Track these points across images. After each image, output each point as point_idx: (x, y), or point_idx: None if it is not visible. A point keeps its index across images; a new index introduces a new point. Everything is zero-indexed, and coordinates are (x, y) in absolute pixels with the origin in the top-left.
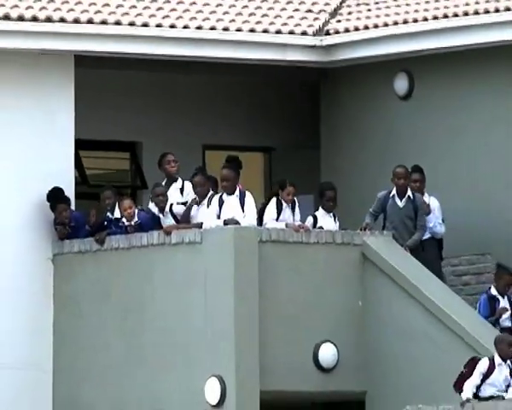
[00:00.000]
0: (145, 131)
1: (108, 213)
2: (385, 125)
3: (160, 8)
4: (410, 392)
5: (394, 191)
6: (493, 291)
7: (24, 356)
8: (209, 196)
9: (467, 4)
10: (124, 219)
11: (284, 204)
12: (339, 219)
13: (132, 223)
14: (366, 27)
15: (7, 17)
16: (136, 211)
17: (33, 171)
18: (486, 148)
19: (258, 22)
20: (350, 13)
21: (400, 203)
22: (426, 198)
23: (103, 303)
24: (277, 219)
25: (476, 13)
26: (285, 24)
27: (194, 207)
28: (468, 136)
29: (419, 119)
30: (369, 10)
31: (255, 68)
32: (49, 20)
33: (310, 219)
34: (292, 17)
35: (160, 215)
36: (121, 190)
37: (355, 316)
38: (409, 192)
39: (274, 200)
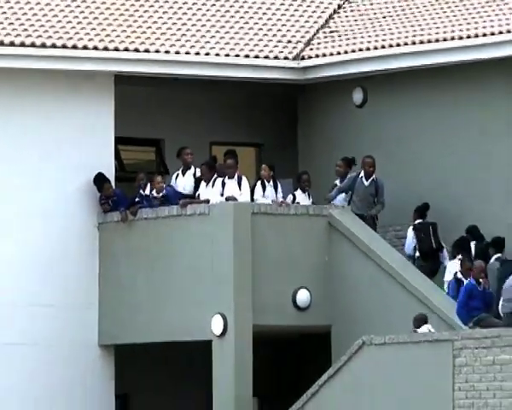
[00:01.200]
0: (167, 131)
1: (141, 191)
2: (345, 127)
3: (173, 36)
4: (365, 327)
5: (362, 174)
6: (459, 275)
7: (77, 297)
8: (214, 178)
9: (408, 34)
10: (154, 192)
11: (267, 183)
12: (312, 197)
13: (160, 195)
14: (331, 54)
15: (64, 46)
16: (164, 186)
17: (85, 162)
18: (422, 143)
19: (251, 50)
20: (319, 43)
21: (366, 183)
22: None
23: (136, 259)
24: (263, 195)
25: (421, 42)
26: (271, 51)
27: (203, 186)
28: (409, 135)
29: (371, 122)
30: (334, 41)
31: (250, 84)
32: (96, 48)
33: (290, 197)
34: (276, 46)
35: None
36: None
37: (323, 269)
38: (373, 176)
39: (259, 181)
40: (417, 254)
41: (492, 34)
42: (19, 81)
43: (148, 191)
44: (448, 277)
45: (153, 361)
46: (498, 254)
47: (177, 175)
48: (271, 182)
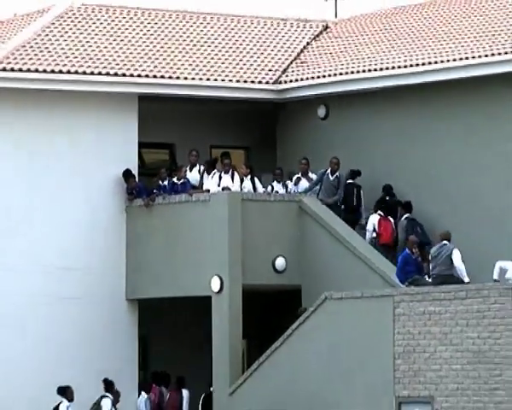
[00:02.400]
0: (177, 138)
1: (160, 182)
2: (312, 135)
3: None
4: (327, 285)
5: (329, 171)
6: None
7: (110, 263)
8: (213, 173)
9: (357, 64)
10: (175, 179)
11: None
12: (286, 187)
13: (180, 182)
14: (301, 79)
15: (100, 73)
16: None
17: (116, 161)
18: (373, 147)
19: (242, 76)
20: (293, 71)
21: (331, 178)
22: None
23: (154, 234)
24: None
25: (369, 70)
26: (256, 77)
27: (205, 178)
28: (362, 140)
29: (332, 132)
30: (303, 70)
31: (241, 102)
32: (124, 74)
33: (269, 188)
34: (260, 73)
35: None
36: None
37: (296, 242)
38: (337, 173)
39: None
40: (342, 207)
41: (435, 63)
42: (68, 101)
43: (166, 182)
44: (370, 226)
45: (167, 311)
46: (407, 215)
47: (185, 171)
48: (249, 177)
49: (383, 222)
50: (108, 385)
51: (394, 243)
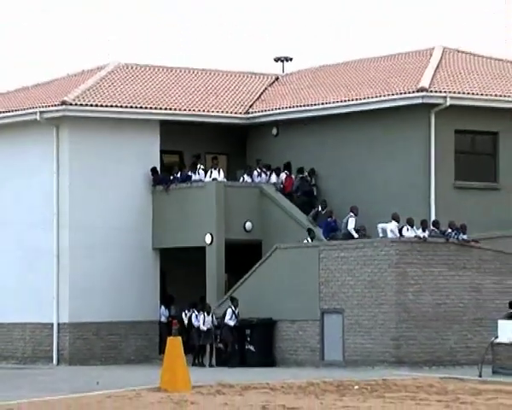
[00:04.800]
0: (185, 147)
1: (174, 174)
2: (268, 147)
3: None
4: (278, 240)
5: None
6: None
7: (140, 223)
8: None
9: (304, 100)
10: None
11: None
12: (252, 179)
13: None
14: (263, 110)
15: (131, 106)
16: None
17: (146, 162)
18: (314, 159)
19: (224, 108)
20: (257, 105)
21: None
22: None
23: (170, 207)
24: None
25: (310, 104)
26: (234, 109)
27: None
28: (303, 153)
29: (281, 145)
30: (263, 104)
31: (224, 125)
32: (151, 108)
33: (241, 179)
34: (236, 107)
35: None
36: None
37: (258, 212)
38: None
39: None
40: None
41: (352, 100)
42: (117, 126)
43: (178, 175)
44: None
45: (179, 256)
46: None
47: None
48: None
49: (289, 179)
50: (202, 300)
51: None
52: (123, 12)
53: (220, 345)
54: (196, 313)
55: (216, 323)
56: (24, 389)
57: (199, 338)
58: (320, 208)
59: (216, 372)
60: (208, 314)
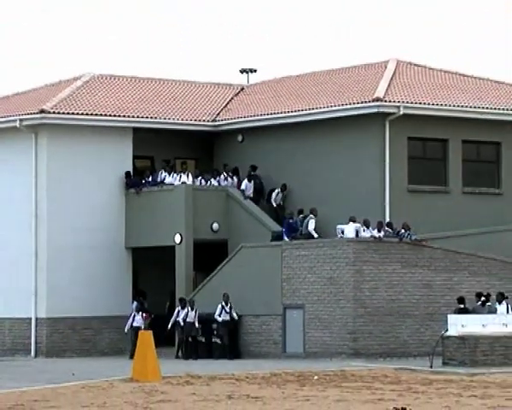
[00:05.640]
0: (156, 152)
1: (145, 178)
2: (234, 152)
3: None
4: (243, 240)
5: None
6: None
7: (114, 223)
8: (177, 173)
9: (265, 110)
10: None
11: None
12: (219, 182)
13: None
14: (228, 119)
15: (110, 115)
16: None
17: (120, 166)
18: (275, 161)
19: (193, 116)
20: (223, 114)
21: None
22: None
23: (142, 208)
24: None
25: (272, 113)
26: (202, 117)
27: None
28: (266, 157)
29: (246, 150)
30: (229, 113)
31: (193, 132)
32: (124, 116)
33: (209, 182)
34: (204, 115)
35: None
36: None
37: (224, 213)
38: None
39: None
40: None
41: (308, 109)
42: (93, 132)
43: (150, 179)
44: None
45: (150, 255)
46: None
47: (161, 172)
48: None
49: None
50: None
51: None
52: (96, 26)
53: (217, 339)
54: (179, 308)
55: (194, 317)
56: (3, 379)
57: (181, 332)
58: (280, 190)
59: (185, 364)
60: (192, 309)
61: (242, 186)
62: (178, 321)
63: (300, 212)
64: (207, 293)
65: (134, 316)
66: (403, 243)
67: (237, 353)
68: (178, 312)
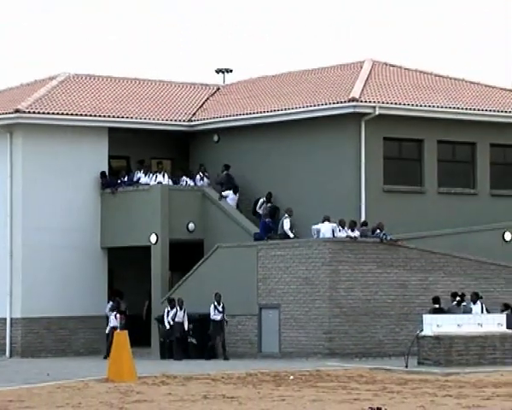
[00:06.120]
0: (132, 152)
1: (121, 178)
2: (210, 152)
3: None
4: (219, 240)
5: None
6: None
7: (90, 224)
8: (153, 173)
9: (236, 110)
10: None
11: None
12: (195, 182)
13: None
14: (204, 119)
15: (86, 115)
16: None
17: (96, 166)
18: (249, 161)
19: (169, 116)
20: (199, 114)
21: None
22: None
23: (118, 207)
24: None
25: (248, 113)
26: (178, 117)
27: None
28: (241, 156)
29: (221, 150)
30: (205, 113)
31: (170, 132)
32: (100, 115)
33: (185, 182)
34: (180, 115)
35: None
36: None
37: (200, 213)
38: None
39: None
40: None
41: (283, 109)
42: (71, 132)
43: (125, 178)
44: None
45: (125, 255)
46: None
47: (137, 172)
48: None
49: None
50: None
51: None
52: (71, 27)
53: (193, 339)
54: (169, 308)
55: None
56: None
57: (169, 332)
58: (265, 199)
59: (161, 364)
60: (181, 309)
61: (229, 200)
62: (169, 321)
63: (268, 200)
64: (183, 293)
65: (109, 316)
66: (378, 243)
67: (213, 353)
68: (168, 312)
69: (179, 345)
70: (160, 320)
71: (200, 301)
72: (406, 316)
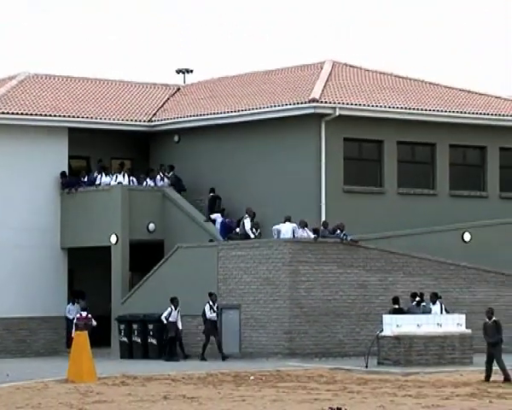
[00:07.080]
0: (92, 153)
1: (82, 178)
2: (170, 152)
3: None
4: (180, 240)
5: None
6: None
7: (50, 223)
8: (114, 174)
9: (200, 111)
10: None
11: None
12: (155, 183)
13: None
14: (165, 119)
15: (46, 115)
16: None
17: (55, 166)
18: (203, 160)
19: (129, 116)
20: (159, 114)
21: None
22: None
23: (77, 207)
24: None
25: (208, 114)
26: (138, 117)
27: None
28: (201, 156)
29: (182, 150)
30: (165, 113)
31: (129, 132)
32: (59, 115)
33: (145, 183)
34: (140, 115)
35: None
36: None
37: (161, 214)
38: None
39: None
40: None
41: (247, 109)
42: (30, 131)
43: (85, 179)
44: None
45: (85, 255)
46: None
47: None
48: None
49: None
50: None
51: None
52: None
53: (153, 340)
54: (172, 307)
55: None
56: None
57: (165, 332)
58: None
59: (121, 364)
60: (175, 309)
61: (218, 225)
62: (166, 317)
63: (212, 191)
64: (144, 293)
65: (69, 310)
66: (338, 243)
67: (173, 354)
68: (171, 312)
69: (174, 345)
70: (167, 319)
71: (161, 301)
72: (366, 316)
